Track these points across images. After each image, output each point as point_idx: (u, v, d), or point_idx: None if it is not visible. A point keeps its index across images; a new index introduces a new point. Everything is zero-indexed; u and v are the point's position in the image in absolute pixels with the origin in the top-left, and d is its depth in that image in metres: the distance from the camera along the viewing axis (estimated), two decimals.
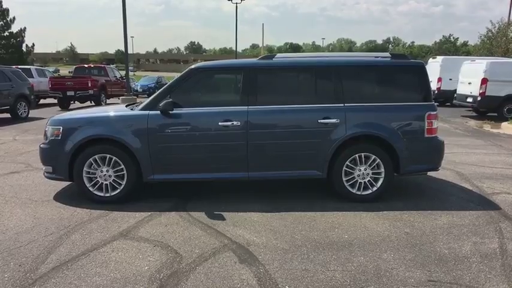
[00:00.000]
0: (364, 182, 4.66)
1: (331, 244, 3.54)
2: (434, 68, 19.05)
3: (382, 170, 4.62)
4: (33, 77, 17.79)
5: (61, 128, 4.52)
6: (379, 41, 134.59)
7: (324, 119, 4.50)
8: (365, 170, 4.63)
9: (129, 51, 18.14)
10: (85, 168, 4.49)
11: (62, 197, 4.80)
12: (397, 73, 4.77)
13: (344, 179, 4.62)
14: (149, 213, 4.29)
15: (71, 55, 77.36)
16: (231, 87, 4.75)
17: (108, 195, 4.55)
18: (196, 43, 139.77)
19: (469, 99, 13.91)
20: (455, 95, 15.24)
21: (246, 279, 2.93)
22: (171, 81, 4.71)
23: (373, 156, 4.59)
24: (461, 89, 14.60)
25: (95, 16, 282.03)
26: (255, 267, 3.10)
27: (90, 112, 5.03)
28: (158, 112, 4.46)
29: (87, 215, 4.23)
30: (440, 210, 4.42)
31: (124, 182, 4.53)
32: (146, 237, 3.68)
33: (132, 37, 73.34)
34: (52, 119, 4.74)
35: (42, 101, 18.62)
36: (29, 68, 18.29)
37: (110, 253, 3.34)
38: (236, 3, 29.03)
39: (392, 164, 4.64)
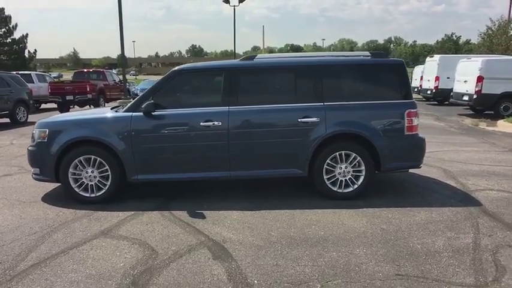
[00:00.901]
0: (345, 179, 4.72)
1: (305, 240, 3.60)
2: (431, 66, 19.08)
3: (363, 167, 4.68)
4: (33, 82, 18.00)
5: (47, 130, 4.62)
6: (381, 41, 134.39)
7: (303, 118, 4.56)
8: (346, 168, 4.69)
9: (131, 56, 18.36)
10: (70, 170, 4.59)
11: (49, 198, 4.90)
12: (376, 71, 4.84)
13: (325, 177, 4.68)
14: (133, 212, 4.37)
15: (74, 60, 78.01)
16: (213, 88, 4.83)
17: (93, 195, 4.64)
18: (197, 46, 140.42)
19: (465, 98, 13.91)
20: (451, 94, 15.24)
21: (217, 274, 3.00)
22: (154, 83, 4.80)
23: (354, 154, 4.65)
24: (458, 88, 14.60)
25: (97, 22, 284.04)
26: (228, 263, 3.17)
27: (75, 115, 5.14)
28: (141, 114, 4.55)
29: (71, 215, 4.32)
30: (420, 207, 4.47)
31: (109, 183, 4.62)
32: (126, 235, 3.76)
33: (133, 41, 74.01)
34: (39, 122, 4.84)
35: (43, 106, 18.83)
36: (30, 74, 18.50)
37: (88, 251, 3.43)
38: (234, 6, 29.21)
39: (372, 162, 4.70)
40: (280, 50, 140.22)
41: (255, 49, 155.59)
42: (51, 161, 4.58)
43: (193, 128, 4.55)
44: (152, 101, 4.51)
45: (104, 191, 4.64)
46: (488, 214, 4.27)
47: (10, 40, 34.24)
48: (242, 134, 4.58)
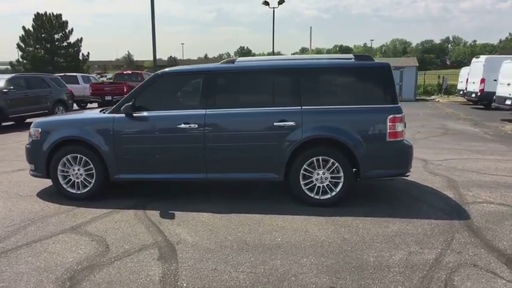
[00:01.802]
0: (323, 186, 4.58)
1: (258, 246, 3.55)
2: (477, 68, 17.94)
3: (341, 174, 4.52)
4: (78, 84, 19.22)
5: (40, 129, 4.94)
6: (437, 41, 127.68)
7: (279, 121, 4.50)
8: (323, 174, 4.56)
9: (180, 58, 18.92)
10: (59, 167, 4.86)
11: (44, 193, 5.21)
12: (359, 75, 4.66)
13: (302, 182, 4.58)
14: (110, 210, 4.55)
15: (128, 62, 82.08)
16: (192, 91, 4.89)
17: (79, 192, 4.89)
18: (246, 48, 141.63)
19: (508, 102, 12.92)
20: (494, 97, 14.21)
21: (152, 275, 3.05)
22: (137, 86, 4.96)
23: (332, 160, 4.51)
24: (501, 91, 13.60)
25: (150, 25, 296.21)
26: (168, 265, 3.21)
27: (67, 116, 5.43)
28: (123, 115, 4.72)
29: (55, 209, 4.58)
30: (399, 218, 4.24)
31: (93, 181, 4.84)
32: (91, 232, 3.92)
33: (182, 44, 76.24)
34: (34, 121, 5.19)
35: (88, 105, 20.02)
36: (75, 75, 19.75)
37: (49, 245, 3.62)
38: (273, 8, 29.24)
39: (351, 169, 4.53)
40: (329, 51, 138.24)
41: (303, 50, 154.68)
42: (43, 158, 4.88)
43: (171, 130, 4.64)
44: (131, 103, 4.66)
45: (88, 188, 4.87)
46: (471, 229, 3.96)
47: (66, 44, 36.84)
48: (218, 136, 4.61)
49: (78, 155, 4.82)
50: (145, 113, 4.72)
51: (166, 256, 3.37)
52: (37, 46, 36.40)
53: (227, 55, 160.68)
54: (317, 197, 4.59)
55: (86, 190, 4.88)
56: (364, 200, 4.89)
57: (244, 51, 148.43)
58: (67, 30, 36.73)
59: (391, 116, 4.44)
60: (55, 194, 5.06)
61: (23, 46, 36.48)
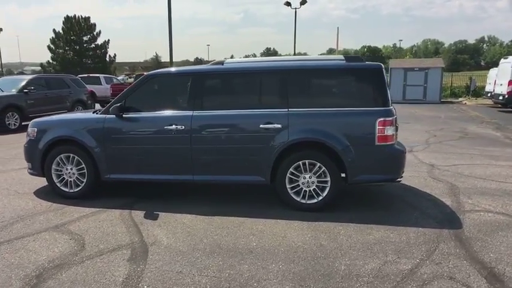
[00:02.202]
0: (310, 190, 4.49)
1: (230, 250, 3.51)
2: (505, 69, 17.20)
3: (328, 178, 4.41)
4: (101, 84, 19.73)
5: (36, 129, 5.09)
6: (471, 41, 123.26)
7: (265, 124, 4.44)
8: (310, 178, 4.46)
9: (206, 58, 19.13)
10: (53, 166, 4.99)
11: (42, 191, 5.34)
12: (349, 76, 4.53)
13: (288, 186, 4.50)
14: (98, 209, 4.62)
15: (156, 63, 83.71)
16: (181, 93, 4.89)
17: (72, 191, 5.00)
18: (272, 49, 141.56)
19: None
20: None
21: (117, 275, 3.07)
22: (128, 87, 5.02)
23: (318, 164, 4.41)
24: None
25: (181, 27, 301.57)
26: (136, 266, 3.22)
27: (61, 116, 5.56)
28: (114, 116, 4.79)
29: (46, 207, 4.70)
30: (385, 225, 4.09)
31: (85, 180, 4.93)
32: (73, 230, 3.99)
33: (208, 45, 76.98)
34: (32, 121, 5.34)
35: None
36: (98, 76, 20.29)
37: (29, 242, 3.71)
38: (295, 8, 29.05)
39: (339, 173, 4.41)
40: (356, 52, 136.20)
41: (331, 51, 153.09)
42: (39, 157, 5.02)
43: (159, 131, 4.66)
44: (119, 104, 4.72)
45: (80, 187, 4.97)
46: (460, 239, 3.77)
47: (94, 46, 37.99)
48: (205, 138, 4.60)
49: (71, 155, 4.92)
50: (134, 114, 4.77)
51: (136, 257, 3.38)
52: (66, 48, 37.78)
53: (253, 56, 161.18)
54: (303, 201, 4.50)
55: (78, 189, 4.98)
56: (354, 205, 4.76)
57: (270, 52, 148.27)
58: (95, 33, 37.94)
59: (381, 119, 4.29)
60: (51, 193, 5.18)
61: (53, 48, 37.93)
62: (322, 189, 4.46)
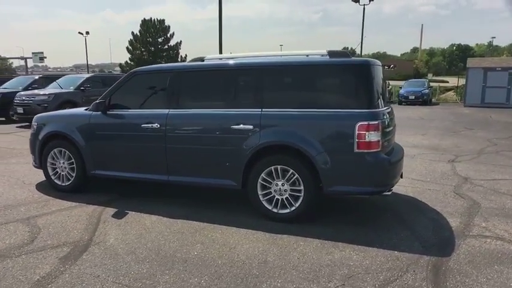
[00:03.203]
0: (282, 199, 4.09)
1: (165, 258, 3.30)
2: None
3: (302, 187, 3.98)
4: None
5: (36, 123, 5.34)
6: None
7: (237, 124, 4.14)
8: (283, 185, 4.07)
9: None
10: (49, 159, 5.20)
11: (44, 184, 5.52)
12: (330, 74, 4.04)
13: (260, 193, 4.15)
14: (77, 204, 4.70)
15: None
16: (161, 91, 4.75)
17: (64, 184, 5.16)
18: (349, 48, 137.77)
19: None
20: None
21: (36, 274, 3.02)
22: (114, 84, 5.04)
23: (291, 170, 4.00)
24: None
25: (257, 27, 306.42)
26: (61, 265, 3.15)
27: (59, 112, 5.77)
28: (99, 113, 4.84)
29: (34, 198, 4.90)
30: (355, 244, 3.57)
31: (74, 174, 5.06)
32: (38, 223, 4.07)
33: (280, 45, 76.98)
34: (35, 115, 5.62)
35: None
36: None
37: None
38: (364, 4, 27.67)
39: (313, 182, 3.95)
40: (443, 51, 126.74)
41: (414, 50, 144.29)
42: (38, 150, 5.27)
43: (137, 129, 4.60)
44: (103, 100, 4.75)
45: (71, 181, 5.11)
46: (436, 271, 3.13)
47: (167, 47, 40.09)
48: (178, 138, 4.44)
49: (63, 149, 5.08)
50: (117, 111, 4.77)
51: (70, 256, 3.32)
52: (142, 49, 40.44)
53: None
54: (275, 210, 4.12)
55: (68, 183, 5.13)
56: (337, 217, 4.26)
57: (348, 52, 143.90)
58: (168, 34, 40.06)
59: (361, 123, 3.75)
60: (50, 185, 5.40)
61: (131, 49, 40.84)
62: (296, 198, 4.04)
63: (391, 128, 4.32)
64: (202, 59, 4.65)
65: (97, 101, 4.82)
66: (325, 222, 4.10)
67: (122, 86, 4.85)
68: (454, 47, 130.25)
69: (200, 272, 3.05)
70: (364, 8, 27.60)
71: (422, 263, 3.24)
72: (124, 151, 4.74)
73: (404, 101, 23.82)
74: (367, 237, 3.73)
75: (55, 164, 5.19)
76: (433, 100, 26.49)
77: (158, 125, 4.46)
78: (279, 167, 4.04)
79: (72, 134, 4.95)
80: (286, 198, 4.07)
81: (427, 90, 23.68)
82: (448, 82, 40.42)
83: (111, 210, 4.46)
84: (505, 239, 3.73)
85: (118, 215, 4.31)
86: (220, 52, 16.79)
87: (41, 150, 5.23)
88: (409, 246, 3.55)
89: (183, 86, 4.49)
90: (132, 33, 40.92)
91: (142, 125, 4.53)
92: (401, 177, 4.61)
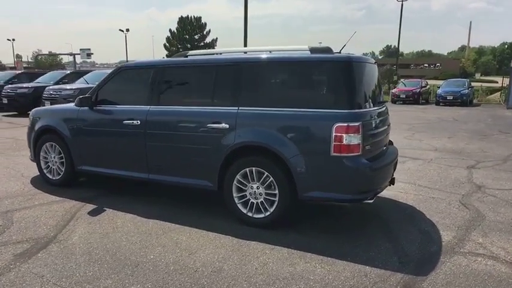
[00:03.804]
0: (257, 203, 3.87)
1: (118, 261, 3.18)
2: None
3: (277, 191, 3.74)
4: None
5: (32, 117, 5.42)
6: None
7: (213, 123, 3.96)
8: (258, 188, 3.84)
9: None
10: (41, 153, 5.26)
11: (39, 177, 5.61)
12: (309, 71, 3.75)
13: (235, 195, 3.95)
14: (62, 199, 4.70)
15: None
16: (144, 87, 4.62)
17: (54, 178, 5.21)
18: (392, 46, 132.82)
19: None
20: None
21: None
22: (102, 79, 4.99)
23: (266, 173, 3.76)
24: None
25: (298, 25, 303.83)
26: (13, 262, 3.11)
27: (52, 106, 5.81)
28: (87, 108, 4.82)
29: (24, 192, 4.97)
30: (324, 256, 3.29)
31: (63, 169, 5.09)
32: (13, 217, 4.07)
33: (320, 43, 75.77)
34: (33, 109, 5.70)
35: None
36: None
37: None
38: (402, 0, 26.47)
39: (288, 186, 3.69)
40: (494, 50, 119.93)
41: (463, 49, 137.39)
42: (33, 143, 5.35)
43: (119, 125, 4.52)
44: (88, 96, 4.72)
45: (60, 176, 5.14)
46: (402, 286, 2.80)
47: (203, 44, 40.52)
48: (157, 135, 4.32)
49: (53, 143, 5.12)
50: (103, 107, 4.73)
51: (26, 253, 3.28)
52: (179, 46, 41.06)
53: (371, 54, 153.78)
54: (250, 214, 3.90)
55: (58, 177, 5.16)
56: (316, 225, 3.99)
57: (390, 50, 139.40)
58: (205, 31, 40.50)
59: (339, 125, 3.45)
60: (42, 179, 5.46)
61: (168, 46, 41.63)
62: (272, 203, 3.80)
63: (380, 130, 3.97)
64: (185, 55, 4.49)
65: (81, 96, 4.80)
66: (302, 229, 3.84)
67: (108, 81, 4.79)
68: (506, 46, 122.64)
69: (146, 278, 2.90)
70: (402, 4, 26.45)
71: (392, 281, 2.92)
72: (107, 147, 4.69)
73: (442, 101, 22.61)
74: (342, 248, 3.43)
75: (47, 158, 5.24)
76: (475, 101, 24.99)
77: (139, 122, 4.36)
78: (253, 168, 3.82)
79: (61, 129, 4.96)
80: (261, 202, 3.84)
81: (466, 91, 22.31)
82: (497, 82, 38.05)
83: (90, 207, 4.41)
84: (498, 259, 3.30)
85: (94, 212, 4.26)
86: (245, 41, 16.67)
87: (35, 144, 5.30)
88: (384, 261, 3.22)
89: (164, 82, 4.37)
90: (170, 30, 41.79)
91: (124, 122, 4.45)
92: (392, 183, 4.24)
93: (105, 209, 4.37)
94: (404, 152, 8.04)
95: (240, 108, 3.88)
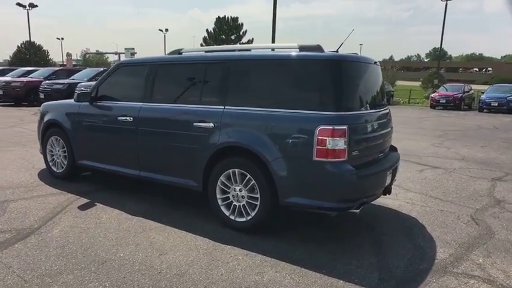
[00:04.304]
0: (240, 206, 3.73)
1: (87, 256, 3.16)
2: None
3: (258, 195, 3.58)
4: None
5: (40, 111, 5.59)
6: None
7: (199, 122, 3.87)
8: (240, 191, 3.71)
9: None
10: (48, 146, 5.41)
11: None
12: (296, 70, 3.55)
13: (219, 197, 3.84)
14: (60, 191, 4.80)
15: None
16: (139, 84, 4.60)
17: (58, 171, 5.33)
18: (440, 49, 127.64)
19: None
20: None
21: None
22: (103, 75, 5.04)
23: (248, 176, 3.62)
24: None
25: (340, 26, 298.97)
26: None
27: (59, 101, 5.93)
28: (87, 103, 4.90)
29: (28, 183, 5.12)
30: (301, 267, 3.09)
31: (66, 162, 5.20)
32: (7, 208, 4.18)
33: (360, 45, 73.91)
34: (42, 103, 5.87)
35: None
36: None
37: None
38: (446, 0, 25.22)
39: (270, 190, 3.52)
40: None
41: None
42: (40, 137, 5.52)
43: (114, 121, 4.54)
44: (87, 91, 4.78)
45: (63, 169, 5.26)
46: None
47: (239, 44, 40.68)
48: (147, 133, 4.29)
49: (58, 137, 5.24)
50: (101, 103, 4.78)
51: (4, 243, 3.34)
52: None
53: (417, 57, 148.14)
54: (232, 217, 3.78)
55: (62, 170, 5.28)
56: (302, 232, 3.80)
57: (437, 53, 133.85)
58: (241, 32, 40.69)
59: (322, 128, 3.24)
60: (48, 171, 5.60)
61: (205, 46, 42.15)
62: (254, 207, 3.65)
63: (375, 134, 3.71)
64: (179, 52, 4.44)
65: (79, 92, 4.87)
66: (286, 237, 3.65)
67: (108, 78, 4.83)
68: None
69: (107, 277, 2.85)
70: (446, 4, 25.22)
71: None
72: (104, 143, 4.73)
73: (486, 107, 21.31)
74: (321, 260, 3.22)
75: (52, 151, 5.38)
76: None
77: (131, 119, 4.36)
78: (236, 170, 3.68)
79: (64, 123, 5.07)
80: (243, 205, 3.70)
81: None
82: None
83: (83, 201, 4.46)
84: (494, 283, 2.97)
85: (84, 207, 4.29)
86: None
87: (43, 137, 5.46)
88: (362, 276, 2.98)
89: (156, 79, 4.33)
90: (207, 30, 42.42)
91: (119, 118, 4.47)
92: (388, 193, 3.96)
93: (96, 203, 4.40)
94: (426, 160, 7.59)
95: (226, 107, 3.76)
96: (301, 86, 3.50)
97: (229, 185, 3.76)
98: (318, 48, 3.57)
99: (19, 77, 17.13)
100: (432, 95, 24.25)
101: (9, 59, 62.45)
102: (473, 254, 3.45)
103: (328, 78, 3.34)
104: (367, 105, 3.72)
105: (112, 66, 4.99)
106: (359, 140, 3.42)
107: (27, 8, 37.57)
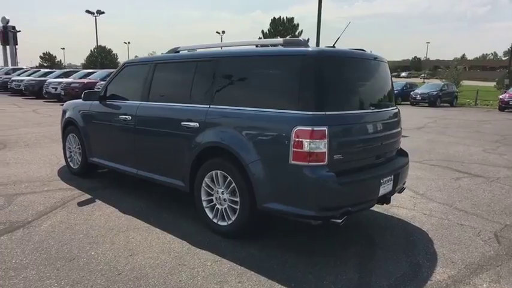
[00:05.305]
0: (222, 209, 3.57)
1: (60, 252, 3.18)
2: None
3: (238, 198, 3.40)
4: None
5: (63, 110, 5.85)
6: None
7: (186, 121, 3.77)
8: (222, 193, 3.54)
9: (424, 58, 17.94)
10: (66, 143, 5.65)
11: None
12: (278, 67, 3.30)
13: (203, 198, 3.71)
14: (70, 187, 4.97)
15: None
16: (139, 83, 4.57)
17: (75, 167, 5.55)
18: None
19: None
20: None
21: None
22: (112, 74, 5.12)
23: (229, 178, 3.45)
24: None
25: (409, 24, 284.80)
26: None
27: (77, 100, 6.11)
28: (97, 102, 5.03)
29: (45, 178, 5.36)
30: (270, 279, 2.87)
31: (81, 158, 5.39)
32: (15, 201, 4.39)
33: (427, 43, 69.99)
34: (65, 102, 6.14)
35: None
36: None
37: None
38: None
39: (249, 194, 3.32)
40: None
41: None
42: (62, 134, 5.78)
43: (117, 120, 4.59)
44: (94, 91, 4.90)
45: (78, 165, 5.45)
46: None
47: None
48: (143, 131, 4.28)
49: (74, 135, 5.44)
50: (109, 102, 4.87)
51: None
52: None
53: (493, 55, 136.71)
54: (215, 220, 3.63)
55: (77, 167, 5.48)
56: (289, 240, 3.53)
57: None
58: (297, 32, 40.31)
59: (300, 129, 2.98)
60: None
61: None
62: (234, 211, 3.47)
63: (369, 137, 3.36)
64: (177, 50, 4.37)
65: (86, 91, 5.00)
66: (269, 243, 3.43)
67: (115, 77, 4.92)
68: None
69: (67, 274, 2.84)
70: None
71: None
72: (108, 141, 4.82)
73: None
74: (295, 272, 2.96)
75: (70, 148, 5.60)
76: None
77: (130, 117, 4.38)
78: (218, 172, 3.53)
79: (78, 121, 5.25)
80: (225, 209, 3.53)
81: None
82: None
83: (85, 198, 4.57)
84: None
85: (83, 203, 4.38)
86: (317, 41, 16.10)
87: (63, 134, 5.71)
88: None
89: (154, 78, 4.31)
90: (262, 31, 42.60)
91: (120, 116, 4.51)
92: (387, 202, 3.56)
93: (96, 200, 4.47)
94: (468, 167, 6.86)
95: (211, 106, 3.62)
96: (282, 83, 3.25)
97: (213, 187, 3.61)
98: (303, 43, 3.29)
99: (80, 78, 18.45)
100: (501, 96, 22.18)
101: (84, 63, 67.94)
102: (479, 278, 2.97)
103: (308, 75, 3.05)
104: (362, 105, 3.37)
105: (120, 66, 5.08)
106: (344, 142, 3.10)
107: (95, 14, 40.38)
